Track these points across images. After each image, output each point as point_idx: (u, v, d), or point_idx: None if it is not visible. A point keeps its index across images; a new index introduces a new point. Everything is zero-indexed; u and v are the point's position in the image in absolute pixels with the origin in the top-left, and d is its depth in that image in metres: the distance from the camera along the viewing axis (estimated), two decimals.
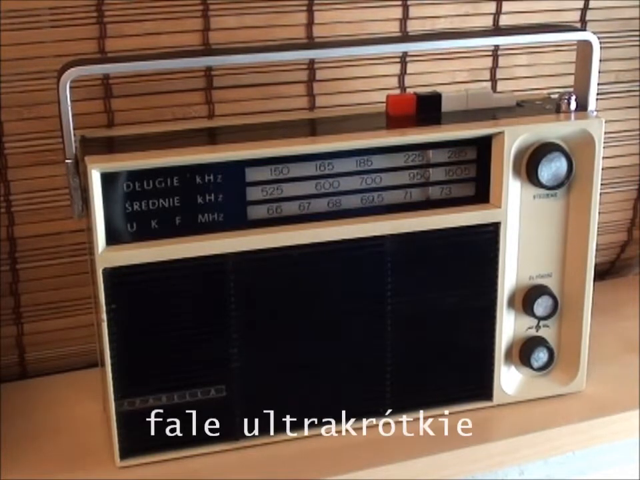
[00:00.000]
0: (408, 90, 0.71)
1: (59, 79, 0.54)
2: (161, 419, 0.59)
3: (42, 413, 0.66)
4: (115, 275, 0.55)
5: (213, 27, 0.65)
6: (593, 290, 0.64)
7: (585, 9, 0.72)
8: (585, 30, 0.60)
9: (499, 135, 0.59)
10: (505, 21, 0.72)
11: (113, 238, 0.55)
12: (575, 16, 0.73)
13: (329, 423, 0.62)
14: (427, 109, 0.62)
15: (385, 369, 0.62)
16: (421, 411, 0.64)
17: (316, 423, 0.62)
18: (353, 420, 0.63)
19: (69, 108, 0.54)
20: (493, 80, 0.74)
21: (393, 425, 0.63)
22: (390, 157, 0.59)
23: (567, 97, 0.61)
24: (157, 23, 0.63)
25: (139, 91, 0.65)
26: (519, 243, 0.62)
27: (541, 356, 0.64)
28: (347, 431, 0.63)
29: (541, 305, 0.63)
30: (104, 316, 0.56)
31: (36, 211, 0.66)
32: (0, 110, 0.62)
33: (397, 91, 0.71)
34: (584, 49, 0.61)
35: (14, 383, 0.69)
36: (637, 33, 0.76)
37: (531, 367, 0.64)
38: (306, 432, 0.62)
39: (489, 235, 0.61)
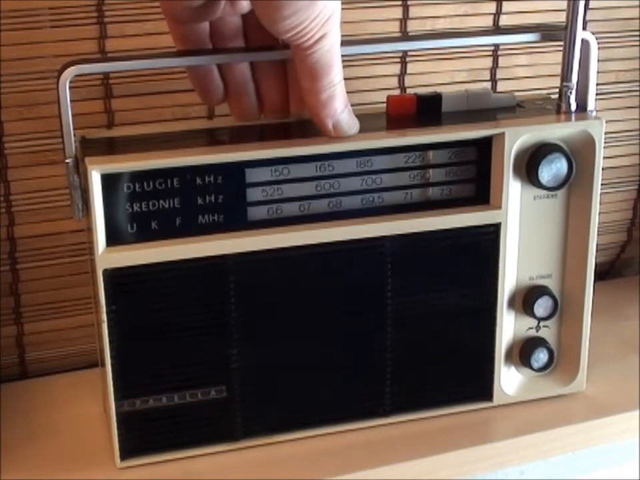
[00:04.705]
0: (408, 90, 0.71)
1: (58, 77, 0.54)
2: (161, 420, 0.59)
3: (42, 413, 0.66)
4: (115, 276, 0.55)
5: None
6: (593, 290, 0.64)
7: (585, 9, 0.72)
8: (583, 30, 0.60)
9: (499, 136, 0.59)
10: (505, 20, 0.72)
11: (113, 239, 0.55)
12: None
13: (329, 422, 0.62)
14: (427, 109, 0.62)
15: (385, 369, 0.62)
16: (421, 411, 0.64)
17: (316, 423, 0.62)
18: (353, 420, 0.63)
19: (69, 107, 0.54)
20: (493, 80, 0.74)
21: (393, 425, 0.63)
22: (390, 157, 0.59)
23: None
24: (157, 23, 0.63)
25: (138, 91, 0.65)
26: (519, 244, 0.62)
27: (541, 356, 0.64)
28: (347, 431, 0.63)
29: (541, 306, 0.63)
30: (104, 316, 0.56)
31: (36, 210, 0.66)
32: (0, 110, 0.62)
33: (397, 91, 0.71)
34: (582, 48, 0.61)
35: (14, 383, 0.69)
36: (637, 33, 0.76)
37: (531, 368, 0.65)
38: (306, 432, 0.62)
39: (489, 236, 0.61)
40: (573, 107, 0.61)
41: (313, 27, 0.52)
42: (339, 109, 0.56)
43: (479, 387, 0.65)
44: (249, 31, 0.59)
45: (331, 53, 0.54)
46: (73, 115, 0.54)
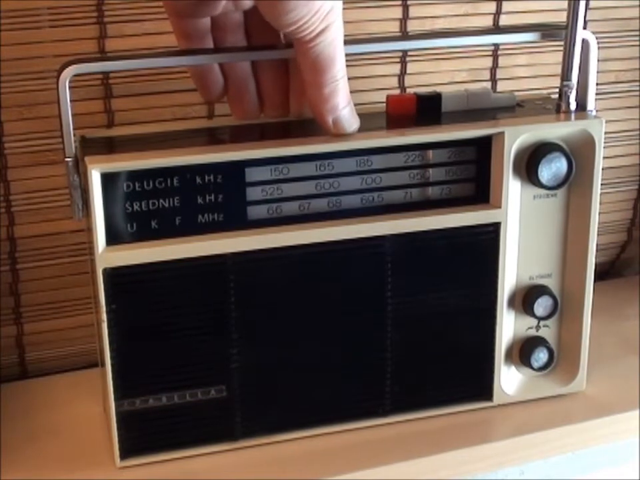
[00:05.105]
0: (408, 90, 0.71)
1: (58, 77, 0.54)
2: (161, 419, 0.59)
3: (42, 413, 0.66)
4: (114, 275, 0.55)
5: None
6: (593, 290, 0.64)
7: (585, 9, 0.72)
8: (583, 29, 0.61)
9: (499, 135, 0.59)
10: (504, 20, 0.72)
11: (113, 238, 0.55)
12: None
13: (329, 422, 0.62)
14: (427, 109, 0.62)
15: (384, 369, 0.62)
16: (421, 411, 0.64)
17: (315, 422, 0.62)
18: (352, 420, 0.63)
19: (69, 106, 0.54)
20: (493, 80, 0.74)
21: (392, 425, 0.63)
22: (390, 157, 0.59)
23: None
24: (157, 23, 0.63)
25: (138, 91, 0.65)
26: (519, 243, 0.62)
27: (541, 356, 0.64)
28: (346, 431, 0.63)
29: (541, 305, 0.63)
30: (104, 316, 0.56)
31: (36, 210, 0.66)
32: (0, 110, 0.62)
33: (397, 91, 0.71)
34: (582, 48, 0.61)
35: (14, 383, 0.69)
36: (637, 33, 0.76)
37: (531, 367, 0.64)
38: (305, 432, 0.62)
39: (488, 235, 0.61)
40: (573, 106, 0.61)
41: (315, 19, 0.52)
42: (341, 105, 0.56)
43: (479, 386, 0.65)
44: (251, 28, 0.59)
45: (333, 45, 0.54)
46: (72, 115, 0.54)
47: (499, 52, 0.73)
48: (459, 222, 0.60)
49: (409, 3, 0.69)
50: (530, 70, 0.74)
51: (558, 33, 0.61)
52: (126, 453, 0.59)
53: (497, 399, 0.65)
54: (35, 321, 0.69)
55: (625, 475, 0.77)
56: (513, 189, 0.60)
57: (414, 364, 0.63)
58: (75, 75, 0.54)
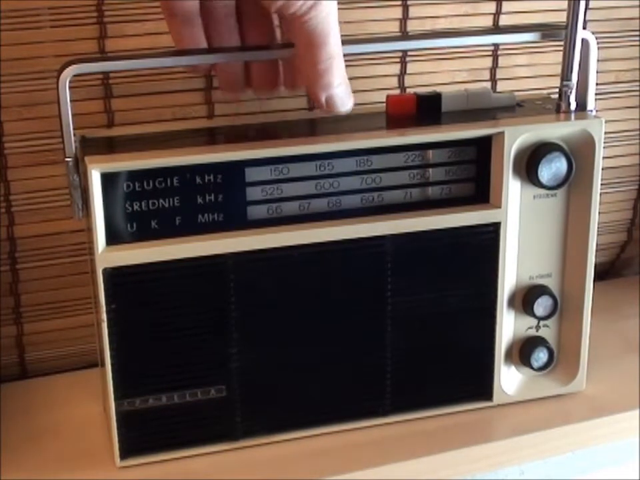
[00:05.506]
0: (408, 90, 0.71)
1: (58, 77, 0.54)
2: (161, 419, 0.59)
3: (42, 413, 0.66)
4: (115, 275, 0.55)
5: None
6: (593, 290, 0.64)
7: (585, 9, 0.72)
8: (583, 29, 0.61)
9: (499, 135, 0.59)
10: (505, 20, 0.72)
11: (113, 238, 0.55)
12: None
13: (329, 422, 0.62)
14: (427, 108, 0.62)
15: (385, 369, 0.62)
16: (421, 411, 0.64)
17: (316, 422, 0.62)
18: (353, 420, 0.63)
19: (69, 106, 0.54)
20: (493, 80, 0.74)
21: (392, 425, 0.63)
22: (390, 157, 0.59)
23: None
24: (157, 23, 0.63)
25: (138, 91, 0.65)
26: (519, 243, 0.62)
27: (540, 356, 0.64)
28: (346, 430, 0.63)
29: (541, 305, 0.63)
30: (104, 316, 0.56)
31: (36, 210, 0.66)
32: (0, 110, 0.62)
33: (397, 91, 0.71)
34: (582, 48, 0.61)
35: (14, 383, 0.69)
36: (637, 33, 0.76)
37: (531, 367, 0.65)
38: (306, 432, 0.62)
39: (488, 235, 0.61)
40: (573, 106, 0.61)
41: None
42: (335, 82, 0.55)
43: (479, 386, 0.65)
44: (243, 16, 0.59)
45: (327, 21, 0.53)
46: (72, 115, 0.54)
47: (499, 52, 0.73)
48: (458, 222, 0.60)
49: (408, 3, 0.69)
50: (530, 70, 0.74)
51: (558, 33, 0.61)
52: (126, 452, 0.59)
53: (497, 398, 0.65)
54: (35, 321, 0.69)
55: (625, 474, 0.77)
56: (512, 189, 0.60)
57: (414, 364, 0.63)
58: (75, 75, 0.54)
